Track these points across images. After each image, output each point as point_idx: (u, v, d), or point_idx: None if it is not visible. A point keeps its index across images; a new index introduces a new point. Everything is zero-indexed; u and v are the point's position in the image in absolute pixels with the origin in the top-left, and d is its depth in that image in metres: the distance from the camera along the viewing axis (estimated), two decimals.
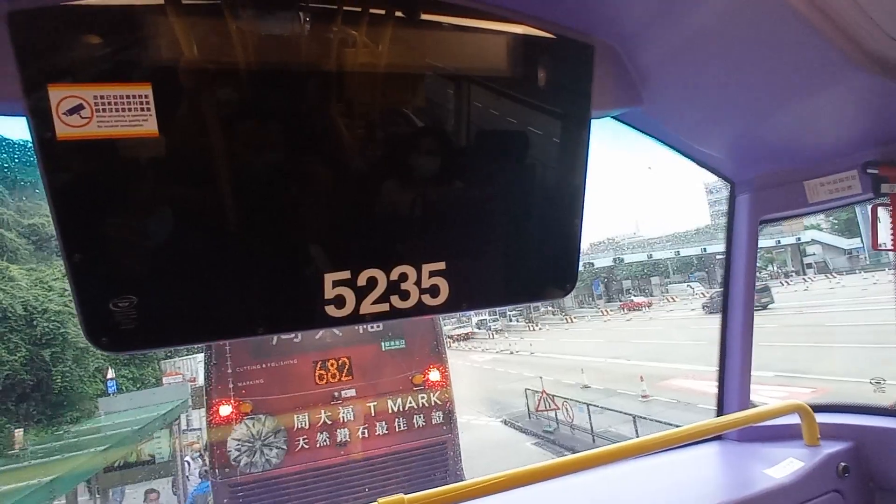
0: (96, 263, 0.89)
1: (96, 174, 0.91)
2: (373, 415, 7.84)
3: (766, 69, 1.34)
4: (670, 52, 1.37)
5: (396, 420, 7.92)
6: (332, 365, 7.74)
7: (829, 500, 1.78)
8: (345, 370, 7.80)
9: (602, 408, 15.76)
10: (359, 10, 1.04)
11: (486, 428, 18.37)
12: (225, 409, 7.29)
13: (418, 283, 1.03)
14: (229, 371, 7.31)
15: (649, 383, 18.14)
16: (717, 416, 2.10)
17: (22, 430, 24.98)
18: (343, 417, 7.70)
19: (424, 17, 1.13)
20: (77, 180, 0.90)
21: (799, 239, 52.44)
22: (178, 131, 0.94)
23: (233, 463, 7.19)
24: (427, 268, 1.03)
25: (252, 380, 7.43)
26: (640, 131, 1.78)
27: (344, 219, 1.03)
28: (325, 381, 7.72)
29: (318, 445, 7.57)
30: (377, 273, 0.99)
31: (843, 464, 1.80)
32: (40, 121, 0.88)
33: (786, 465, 1.79)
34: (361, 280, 0.98)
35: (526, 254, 1.21)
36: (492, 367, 30.21)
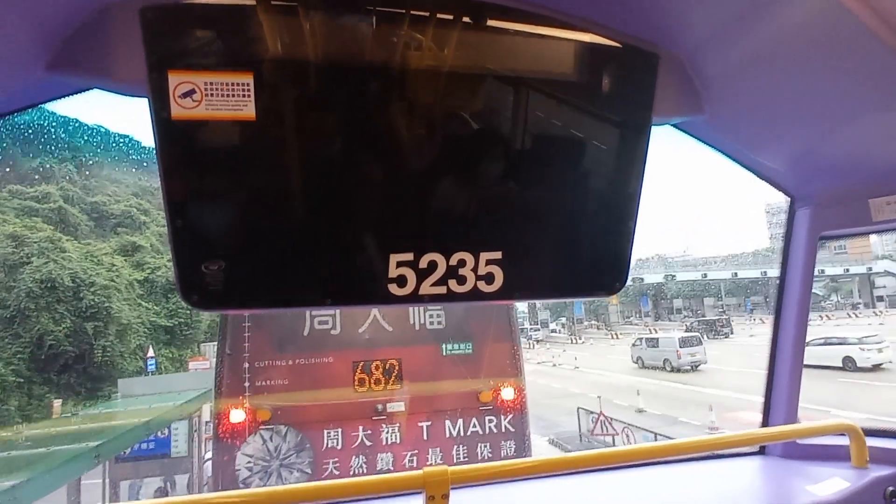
0: (194, 229, 1.01)
1: (201, 151, 1.04)
2: (425, 439, 6.08)
3: (835, 83, 1.39)
4: (736, 63, 1.42)
5: (455, 448, 6.12)
6: (376, 368, 6.01)
7: None
8: (392, 376, 6.04)
9: (666, 437, 13.91)
10: (426, 14, 1.15)
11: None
12: (237, 415, 5.65)
13: (475, 269, 1.09)
14: (246, 366, 5.70)
15: (717, 414, 16.24)
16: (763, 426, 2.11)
17: (61, 401, 25.15)
18: (386, 439, 5.96)
19: (491, 23, 1.20)
20: (185, 155, 1.03)
21: (870, 269, 49.44)
22: (271, 117, 1.07)
23: (240, 486, 5.57)
24: (484, 256, 1.09)
25: (274, 379, 5.78)
26: (701, 140, 1.78)
27: (410, 205, 1.10)
28: (366, 387, 5.99)
29: (351, 473, 5.83)
30: (438, 257, 1.07)
31: (890, 488, 1.78)
32: (159, 102, 1.02)
33: (831, 483, 1.78)
34: (423, 263, 1.06)
35: (578, 251, 1.25)
36: (532, 379, 28.43)
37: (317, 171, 1.09)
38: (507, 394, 6.28)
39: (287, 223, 1.06)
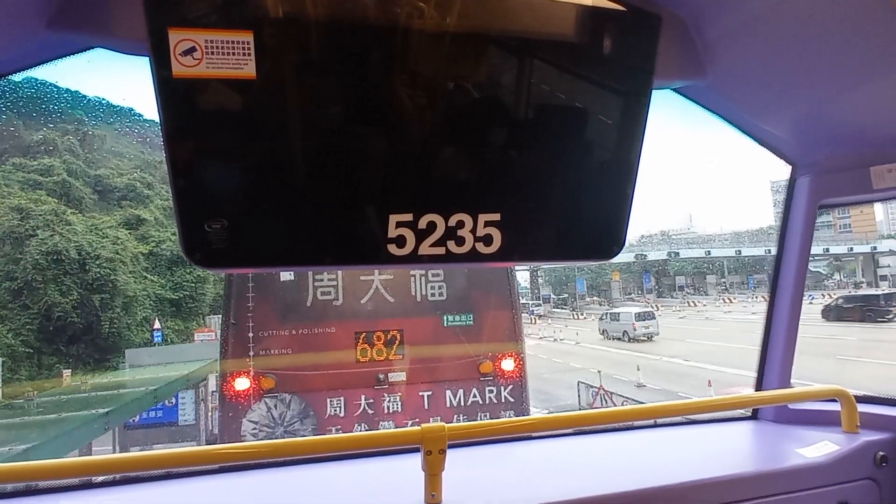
0: (196, 188, 1.02)
1: (202, 110, 1.05)
2: (426, 408, 6.19)
3: (841, 48, 1.37)
4: (740, 25, 1.40)
5: (455, 417, 6.23)
6: (378, 339, 6.09)
7: (863, 486, 1.78)
8: (394, 347, 6.13)
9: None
10: None
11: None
12: (242, 383, 5.76)
13: (473, 230, 1.10)
14: (250, 335, 5.79)
15: (715, 389, 16.24)
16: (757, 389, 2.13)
17: (70, 371, 25.60)
18: (388, 407, 6.09)
19: None
20: (186, 114, 1.04)
21: (874, 248, 49.06)
22: (271, 76, 1.07)
23: None
24: (483, 217, 1.10)
25: (277, 349, 5.87)
26: (702, 106, 1.76)
27: (410, 166, 1.11)
28: (368, 358, 6.08)
29: None
30: (437, 218, 1.08)
31: (881, 453, 1.80)
32: (160, 60, 1.02)
33: (820, 446, 1.80)
34: (422, 223, 1.07)
35: (577, 215, 1.26)
36: (534, 353, 28.72)
37: (317, 132, 1.10)
38: (507, 364, 6.36)
39: (288, 183, 1.07)
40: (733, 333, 26.89)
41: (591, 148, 1.32)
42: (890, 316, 26.13)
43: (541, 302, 51.81)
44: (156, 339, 27.55)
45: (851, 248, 49.22)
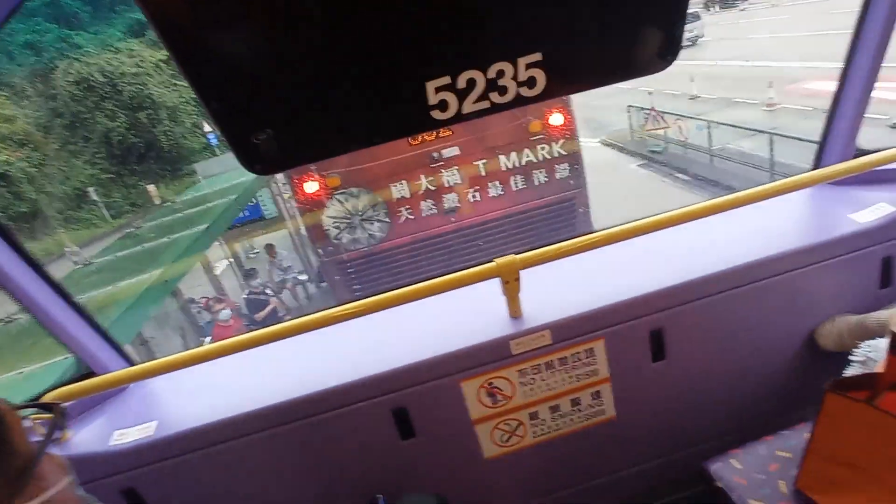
0: (231, 107, 0.99)
1: (215, 24, 0.95)
2: (482, 175, 6.48)
3: None
4: None
5: (512, 179, 6.53)
6: None
7: None
8: None
9: (717, 123, 13.48)
10: None
11: (584, 149, 17.16)
12: (311, 186, 6.21)
13: (515, 77, 1.06)
14: None
15: (777, 88, 15.13)
16: (815, 166, 1.98)
17: (153, 185, 27.93)
18: (448, 181, 6.45)
19: None
20: (195, 34, 0.95)
21: None
22: None
23: (334, 241, 6.49)
24: (523, 61, 1.04)
25: None
26: None
27: (438, 26, 1.02)
28: (419, 140, 6.23)
29: (423, 215, 6.54)
30: (475, 73, 1.04)
31: None
32: None
33: (875, 209, 1.74)
34: (461, 83, 1.04)
35: (622, 31, 1.13)
36: None
37: (338, 13, 1.02)
38: (556, 119, 6.29)
39: (319, 74, 1.03)
40: (805, 18, 23.74)
41: None
42: None
43: None
44: (211, 141, 28.50)
45: None
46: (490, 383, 1.63)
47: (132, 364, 1.69)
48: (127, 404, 1.72)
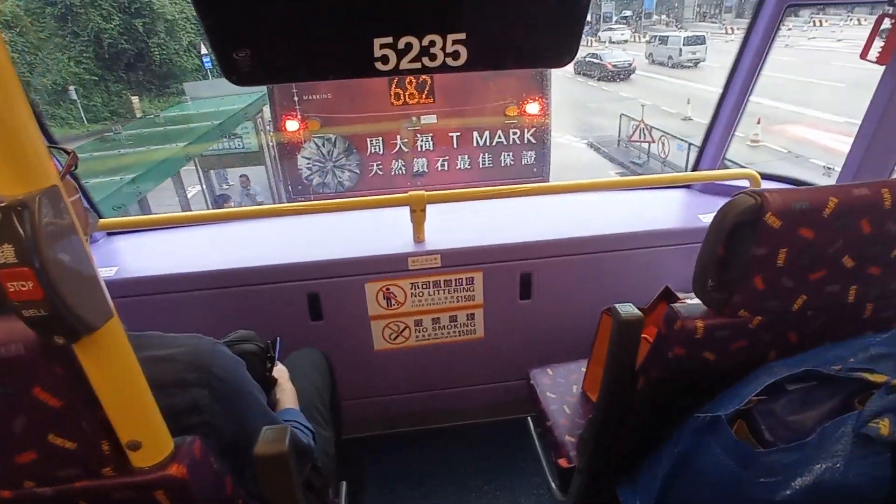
0: (219, 25, 1.10)
1: None
2: (455, 146, 6.84)
3: None
4: None
5: (481, 156, 6.91)
6: (410, 83, 6.40)
7: None
8: (425, 91, 6.48)
9: (697, 146, 13.88)
10: None
11: (568, 148, 17.08)
12: (292, 124, 6.47)
13: (443, 48, 1.21)
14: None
15: (763, 126, 15.51)
16: (692, 170, 2.50)
17: (137, 97, 27.08)
18: (421, 146, 6.79)
19: None
20: None
21: None
22: None
23: (305, 181, 6.79)
24: (451, 37, 1.20)
25: (319, 94, 6.38)
26: None
27: None
28: (401, 101, 6.51)
29: (392, 173, 6.89)
30: (412, 39, 1.19)
31: None
32: None
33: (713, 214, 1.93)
34: (400, 44, 1.18)
35: (534, 28, 1.27)
36: (584, 79, 27.44)
37: None
38: (532, 108, 6.65)
39: (293, 14, 1.19)
40: (808, 66, 24.29)
41: None
42: None
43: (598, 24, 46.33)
44: (205, 64, 27.70)
45: None
46: (388, 289, 2.00)
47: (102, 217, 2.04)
48: (94, 252, 2.00)
